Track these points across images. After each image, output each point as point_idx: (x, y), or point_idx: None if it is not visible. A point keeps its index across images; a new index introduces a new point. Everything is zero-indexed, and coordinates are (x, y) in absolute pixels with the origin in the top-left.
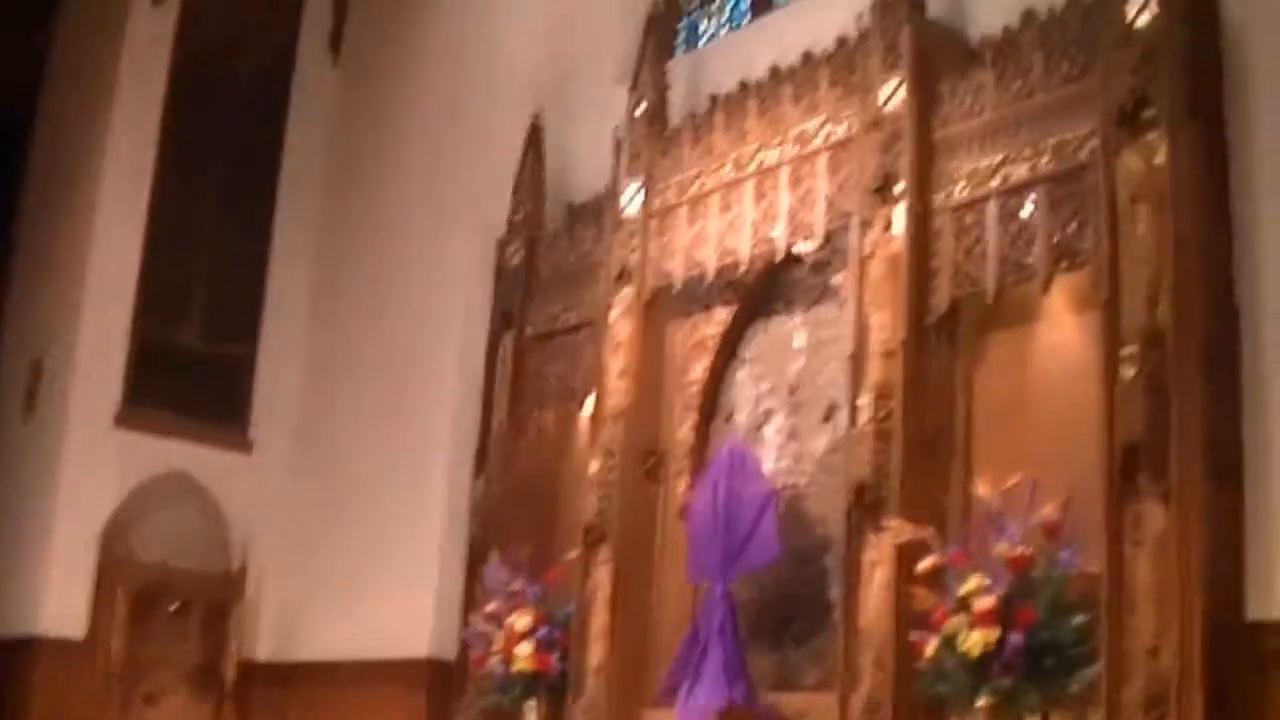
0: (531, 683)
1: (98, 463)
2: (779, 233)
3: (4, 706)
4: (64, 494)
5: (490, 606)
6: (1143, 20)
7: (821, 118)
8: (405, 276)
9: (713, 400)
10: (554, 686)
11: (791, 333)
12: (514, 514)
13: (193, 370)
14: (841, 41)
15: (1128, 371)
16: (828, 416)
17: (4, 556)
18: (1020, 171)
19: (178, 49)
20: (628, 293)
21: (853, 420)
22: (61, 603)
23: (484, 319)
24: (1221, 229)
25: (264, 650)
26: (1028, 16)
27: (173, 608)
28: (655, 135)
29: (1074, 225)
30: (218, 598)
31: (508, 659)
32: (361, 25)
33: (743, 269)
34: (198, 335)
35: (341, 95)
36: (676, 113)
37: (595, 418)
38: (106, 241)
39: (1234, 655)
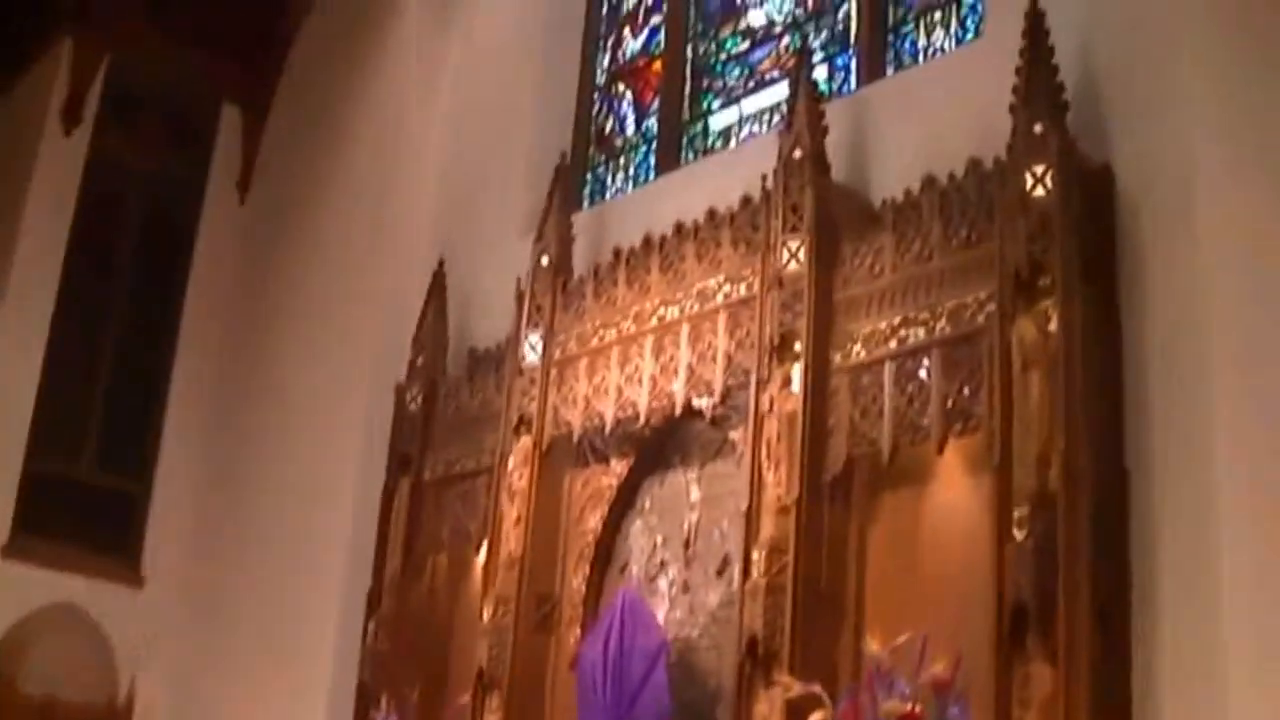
0: None
1: None
2: (678, 387)
3: None
4: None
5: None
6: (1040, 190)
7: (723, 275)
8: (304, 416)
9: (607, 550)
10: None
11: (688, 486)
12: (405, 657)
13: (85, 502)
14: (746, 200)
15: (1018, 533)
16: (722, 570)
17: None
18: (917, 334)
19: (88, 179)
20: (526, 441)
21: (746, 574)
22: None
23: (381, 462)
24: (1112, 395)
25: None
26: (928, 181)
27: None
28: (558, 286)
29: (969, 388)
30: None
31: None
32: (271, 166)
33: (641, 421)
34: (92, 467)
35: (248, 233)
36: (580, 265)
37: (489, 564)
38: (3, 368)
39: None
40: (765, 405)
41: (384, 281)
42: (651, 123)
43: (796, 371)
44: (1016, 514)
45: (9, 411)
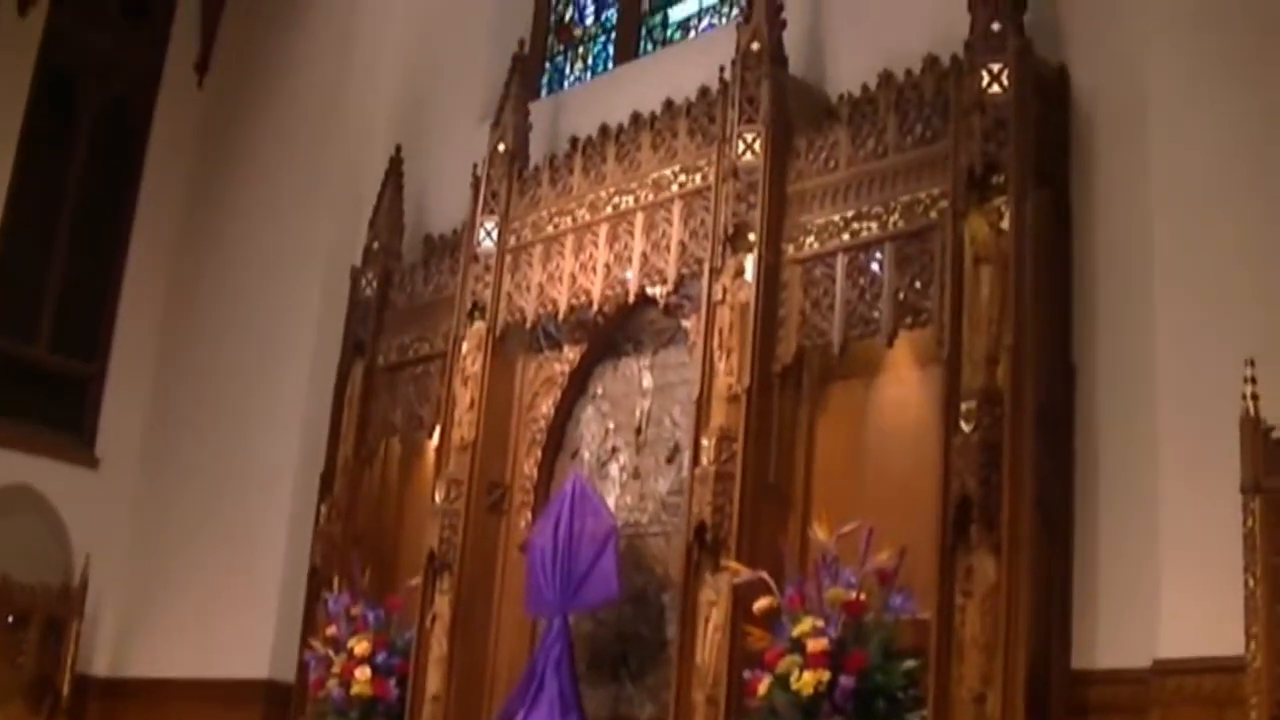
0: (369, 707)
1: None
2: (631, 275)
3: None
4: None
5: (330, 630)
6: (995, 89)
7: (678, 165)
8: (259, 301)
9: (559, 436)
10: (392, 712)
11: (640, 373)
12: (357, 540)
13: (40, 384)
14: (703, 92)
15: (965, 426)
16: (671, 458)
17: None
18: (870, 228)
19: (42, 61)
20: (479, 327)
21: (695, 462)
22: None
23: (335, 346)
24: (1061, 293)
25: (101, 665)
26: (885, 78)
27: (9, 620)
28: (514, 174)
29: (919, 283)
30: (57, 612)
31: (346, 683)
32: (229, 50)
33: (594, 309)
34: (47, 349)
35: (205, 117)
36: (536, 153)
37: (442, 449)
38: None
39: (1058, 704)
40: (718, 294)
41: (340, 166)
42: (611, 13)
43: (750, 262)
44: (964, 407)
45: None
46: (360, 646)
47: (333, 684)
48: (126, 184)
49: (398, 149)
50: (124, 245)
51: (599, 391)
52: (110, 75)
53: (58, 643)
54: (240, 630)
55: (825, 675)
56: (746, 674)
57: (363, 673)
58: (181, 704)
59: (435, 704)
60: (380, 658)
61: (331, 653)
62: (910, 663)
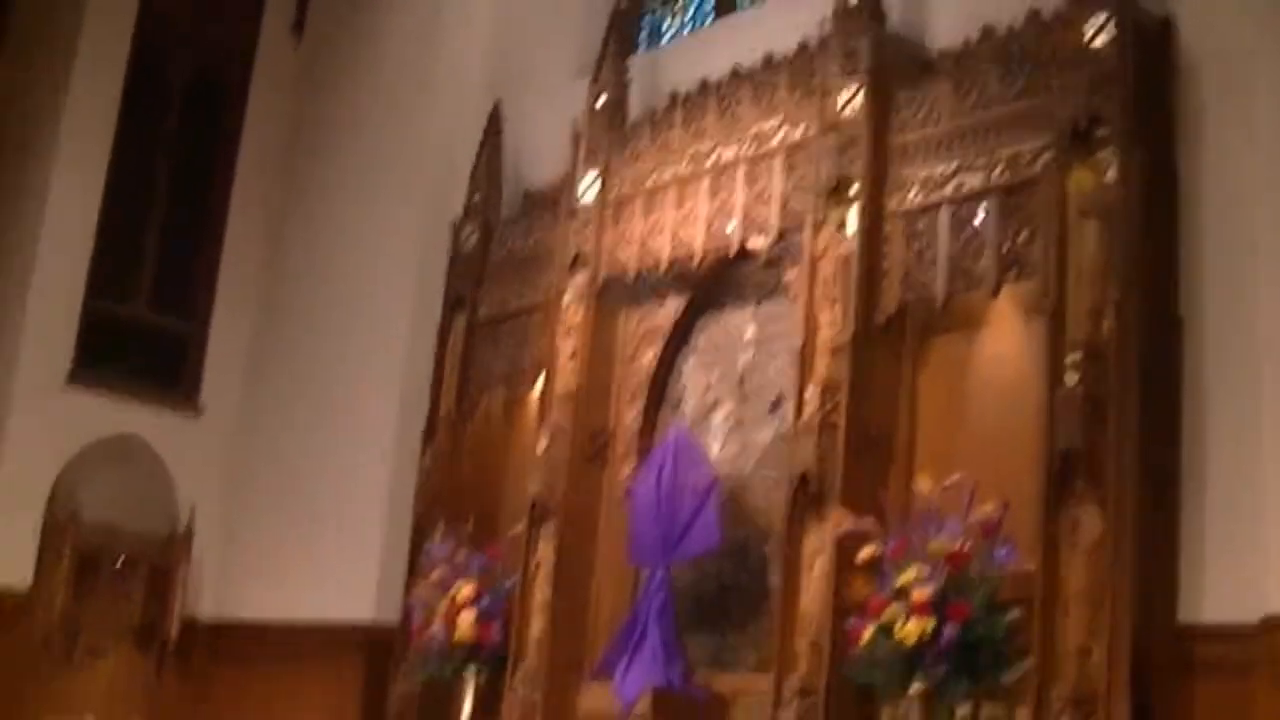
0: (472, 652)
1: (48, 421)
2: (733, 228)
3: None
4: (11, 450)
5: (434, 575)
6: (1100, 41)
7: (779, 118)
8: (361, 255)
9: (661, 387)
10: (494, 657)
11: (742, 325)
12: (460, 487)
13: (145, 334)
14: (802, 46)
15: (1069, 380)
16: (774, 408)
17: None
18: (973, 181)
19: (140, 22)
20: (581, 279)
21: (798, 412)
22: (5, 556)
23: (436, 300)
24: (1166, 245)
25: (207, 610)
26: (986, 31)
27: (117, 564)
28: (614, 128)
29: (1023, 236)
30: (163, 558)
31: (449, 627)
32: (326, 8)
33: (695, 261)
34: (150, 305)
35: (303, 76)
36: (636, 108)
37: (544, 398)
38: (61, 210)
39: (1163, 658)
40: (820, 247)
41: (438, 122)
42: None
43: (852, 215)
44: (1068, 361)
45: (69, 250)
46: (464, 592)
47: (436, 628)
48: (225, 143)
49: (497, 104)
50: (224, 202)
51: (701, 343)
52: (207, 35)
53: (165, 587)
54: (344, 575)
55: (930, 624)
56: (849, 622)
57: (466, 618)
58: (286, 646)
59: (538, 648)
60: (483, 603)
61: (435, 597)
62: (1014, 614)
